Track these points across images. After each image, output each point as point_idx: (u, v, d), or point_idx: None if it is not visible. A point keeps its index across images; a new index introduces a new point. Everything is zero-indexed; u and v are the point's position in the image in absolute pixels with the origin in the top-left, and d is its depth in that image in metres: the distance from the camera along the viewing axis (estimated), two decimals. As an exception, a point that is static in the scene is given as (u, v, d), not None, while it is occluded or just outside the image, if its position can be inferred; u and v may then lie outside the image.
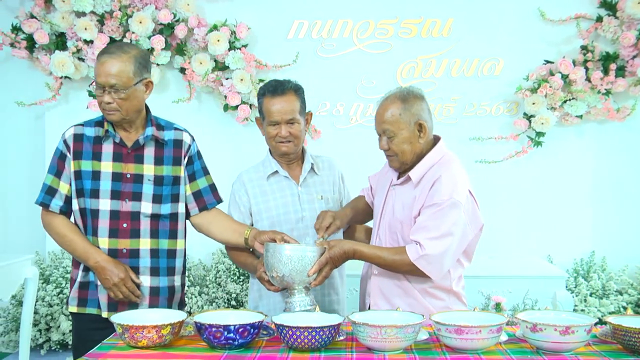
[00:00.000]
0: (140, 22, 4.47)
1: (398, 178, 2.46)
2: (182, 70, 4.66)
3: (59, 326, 4.41)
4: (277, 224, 2.63)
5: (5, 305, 4.47)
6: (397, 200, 2.43)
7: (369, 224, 2.73)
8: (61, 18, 4.54)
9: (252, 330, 1.91)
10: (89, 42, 4.54)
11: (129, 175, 2.44)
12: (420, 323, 1.89)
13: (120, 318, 1.98)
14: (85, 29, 4.48)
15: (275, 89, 2.60)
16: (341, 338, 2.01)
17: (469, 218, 2.32)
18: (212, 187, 2.61)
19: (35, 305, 4.07)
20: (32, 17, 4.57)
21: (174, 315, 2.04)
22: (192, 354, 1.89)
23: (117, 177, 2.42)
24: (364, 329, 1.86)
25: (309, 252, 2.26)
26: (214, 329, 1.88)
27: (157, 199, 2.45)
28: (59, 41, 4.62)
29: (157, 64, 4.59)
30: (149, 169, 2.46)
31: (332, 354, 1.87)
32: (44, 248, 4.69)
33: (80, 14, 4.54)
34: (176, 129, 2.55)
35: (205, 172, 2.60)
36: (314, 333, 1.85)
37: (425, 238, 2.24)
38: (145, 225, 2.44)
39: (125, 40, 4.50)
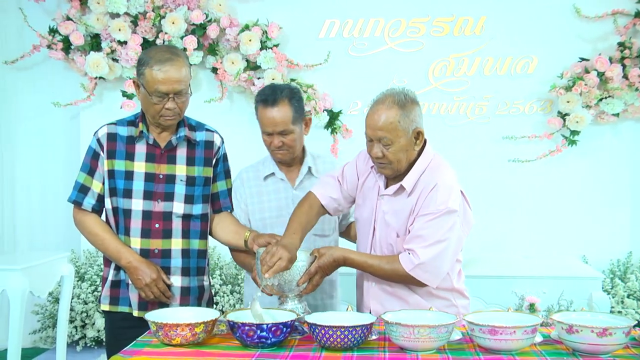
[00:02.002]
0: (173, 23, 4.51)
1: (386, 187, 2.33)
2: (214, 70, 4.69)
3: (93, 323, 4.49)
4: (270, 226, 2.58)
5: (43, 302, 4.56)
6: (388, 210, 2.30)
7: None
8: (96, 19, 4.61)
9: (284, 329, 1.91)
10: (122, 43, 4.60)
11: (161, 176, 2.45)
12: (453, 323, 1.87)
13: (154, 316, 2.00)
14: (119, 30, 4.54)
15: (267, 98, 2.52)
16: (374, 337, 2.00)
17: (462, 220, 2.26)
18: (230, 192, 2.61)
19: (71, 302, 4.14)
20: (68, 19, 4.64)
21: (207, 314, 2.06)
22: (224, 352, 1.90)
23: (150, 177, 2.44)
24: (396, 328, 1.85)
25: (298, 262, 2.19)
26: (247, 328, 1.88)
27: (189, 199, 2.46)
28: (94, 42, 4.69)
29: (190, 64, 4.62)
30: (181, 170, 2.46)
31: (365, 354, 1.87)
32: (79, 246, 4.76)
33: (114, 15, 4.60)
34: (207, 130, 2.56)
35: (227, 175, 2.60)
36: (346, 332, 1.84)
37: (420, 246, 2.17)
38: (177, 225, 2.45)
39: (158, 41, 4.55)
